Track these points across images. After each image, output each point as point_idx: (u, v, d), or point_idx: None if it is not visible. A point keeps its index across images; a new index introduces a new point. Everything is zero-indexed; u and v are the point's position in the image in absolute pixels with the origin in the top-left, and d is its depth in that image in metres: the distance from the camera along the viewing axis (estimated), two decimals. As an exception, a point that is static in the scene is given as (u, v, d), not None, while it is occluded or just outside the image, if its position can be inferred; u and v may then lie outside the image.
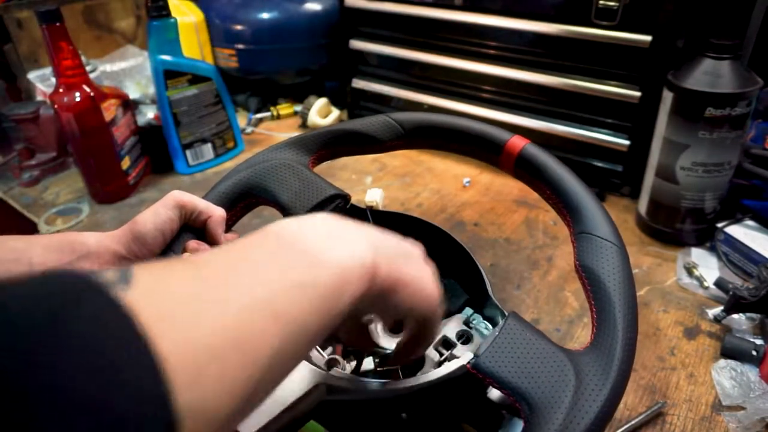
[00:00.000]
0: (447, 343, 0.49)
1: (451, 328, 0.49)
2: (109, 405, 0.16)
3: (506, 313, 0.40)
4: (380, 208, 0.58)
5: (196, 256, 0.25)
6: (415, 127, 0.58)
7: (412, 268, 0.32)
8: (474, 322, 0.50)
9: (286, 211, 0.53)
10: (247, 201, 0.55)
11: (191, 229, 0.51)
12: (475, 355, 0.37)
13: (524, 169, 0.52)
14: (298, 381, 0.40)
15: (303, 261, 0.27)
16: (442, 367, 0.42)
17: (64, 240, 0.46)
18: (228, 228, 0.54)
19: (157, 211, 0.49)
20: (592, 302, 0.41)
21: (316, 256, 0.27)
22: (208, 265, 0.24)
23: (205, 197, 0.54)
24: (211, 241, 0.51)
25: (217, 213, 0.51)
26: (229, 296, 0.23)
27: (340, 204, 0.54)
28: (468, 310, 0.51)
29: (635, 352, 0.37)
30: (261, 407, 0.27)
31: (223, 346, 0.21)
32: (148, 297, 0.19)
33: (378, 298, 0.30)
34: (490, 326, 0.49)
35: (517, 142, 0.52)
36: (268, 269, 0.25)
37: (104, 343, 0.17)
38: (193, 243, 0.50)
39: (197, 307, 0.21)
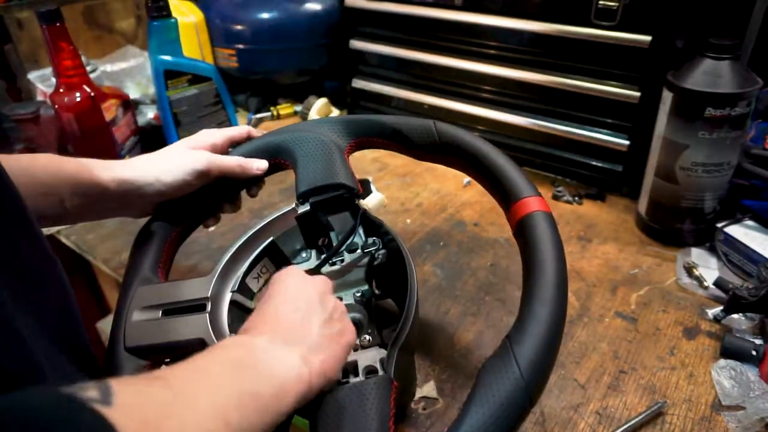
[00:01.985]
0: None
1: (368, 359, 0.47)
2: None
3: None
4: (372, 213, 0.57)
5: (169, 372, 0.30)
6: (449, 142, 0.55)
7: (334, 347, 0.39)
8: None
9: (297, 180, 0.56)
10: (276, 160, 0.58)
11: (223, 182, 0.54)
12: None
13: (520, 238, 0.47)
14: None
15: (251, 375, 0.33)
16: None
17: (92, 185, 0.49)
18: (260, 179, 0.59)
19: (182, 177, 0.52)
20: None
21: (261, 372, 0.34)
22: (173, 378, 0.29)
23: (237, 149, 0.59)
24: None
25: (240, 171, 0.56)
26: (191, 406, 0.28)
27: (345, 194, 0.55)
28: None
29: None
30: None
31: None
32: (127, 416, 0.24)
33: (313, 392, 0.37)
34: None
35: (524, 207, 0.47)
36: (224, 383, 0.31)
37: None
38: (226, 206, 0.58)
39: (169, 421, 0.26)
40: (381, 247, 0.54)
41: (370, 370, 0.46)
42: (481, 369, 0.38)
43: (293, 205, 0.57)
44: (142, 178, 0.51)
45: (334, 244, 0.55)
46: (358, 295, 0.52)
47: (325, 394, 0.41)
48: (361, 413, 0.39)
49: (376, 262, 0.53)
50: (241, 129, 0.60)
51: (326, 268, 0.54)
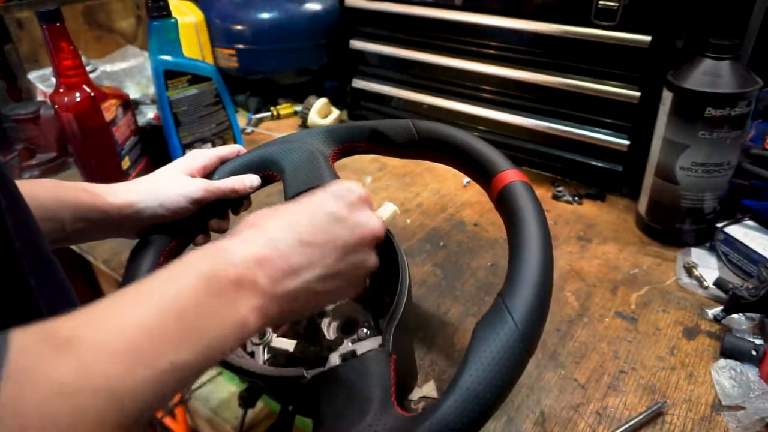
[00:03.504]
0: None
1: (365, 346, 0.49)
2: None
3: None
4: (386, 225, 0.54)
5: (78, 328, 0.27)
6: (427, 136, 0.58)
7: (311, 305, 0.38)
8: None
9: (285, 188, 0.57)
10: (264, 173, 0.59)
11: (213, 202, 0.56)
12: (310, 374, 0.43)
13: (502, 209, 0.49)
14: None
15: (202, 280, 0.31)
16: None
17: (93, 210, 0.50)
18: (247, 198, 0.60)
19: (182, 204, 0.53)
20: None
21: (195, 312, 0.30)
22: (80, 349, 0.25)
23: (227, 164, 0.60)
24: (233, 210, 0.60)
25: (232, 193, 0.57)
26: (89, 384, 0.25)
27: None
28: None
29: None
30: None
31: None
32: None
33: (260, 328, 0.34)
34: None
35: (503, 179, 0.50)
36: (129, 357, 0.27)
37: None
38: (213, 222, 0.58)
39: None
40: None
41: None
42: (476, 326, 0.38)
43: None
44: (143, 203, 0.52)
45: None
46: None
47: (325, 373, 0.42)
48: (363, 384, 0.40)
49: None
50: (231, 148, 0.61)
51: None
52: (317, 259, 0.36)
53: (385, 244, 0.52)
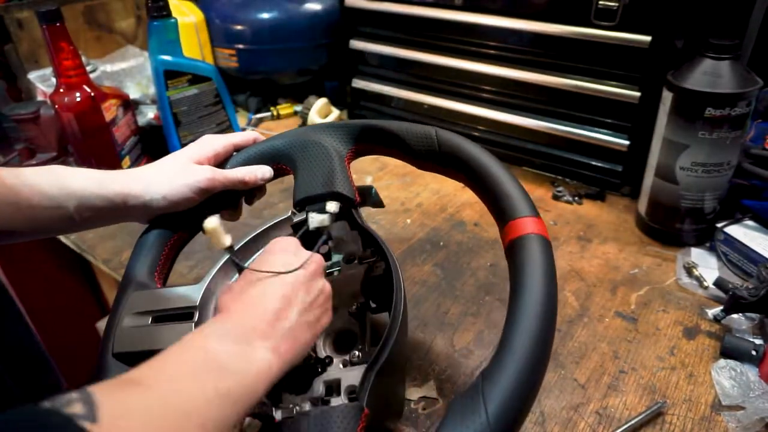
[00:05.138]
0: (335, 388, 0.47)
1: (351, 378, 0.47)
2: None
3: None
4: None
5: (146, 372, 0.32)
6: (449, 151, 0.52)
7: (309, 333, 0.41)
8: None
9: (296, 186, 0.56)
10: (278, 165, 0.58)
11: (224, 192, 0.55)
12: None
13: (510, 260, 0.44)
14: None
15: (225, 375, 0.34)
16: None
17: (99, 198, 0.50)
18: (261, 187, 0.60)
19: (186, 193, 0.53)
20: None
21: (231, 371, 0.35)
22: (155, 384, 0.31)
23: (241, 153, 0.59)
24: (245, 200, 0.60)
25: (256, 182, 0.57)
26: (167, 419, 0.29)
27: (342, 204, 0.55)
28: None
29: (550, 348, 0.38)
30: None
31: None
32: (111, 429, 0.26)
33: (281, 374, 0.38)
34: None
35: (518, 228, 0.44)
36: (197, 387, 0.32)
37: None
38: (224, 213, 0.58)
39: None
40: (380, 258, 0.51)
41: (352, 391, 0.45)
42: (451, 403, 0.35)
43: (289, 213, 0.57)
44: (148, 194, 0.51)
45: (332, 254, 0.55)
46: (354, 308, 0.52)
47: (287, 424, 0.42)
48: None
49: (374, 274, 0.51)
50: (246, 135, 0.60)
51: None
52: (293, 303, 0.41)
53: (382, 275, 0.50)
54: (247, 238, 0.58)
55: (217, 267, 0.53)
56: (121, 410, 0.27)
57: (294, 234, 0.55)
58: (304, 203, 0.55)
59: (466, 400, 0.35)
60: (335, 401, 0.44)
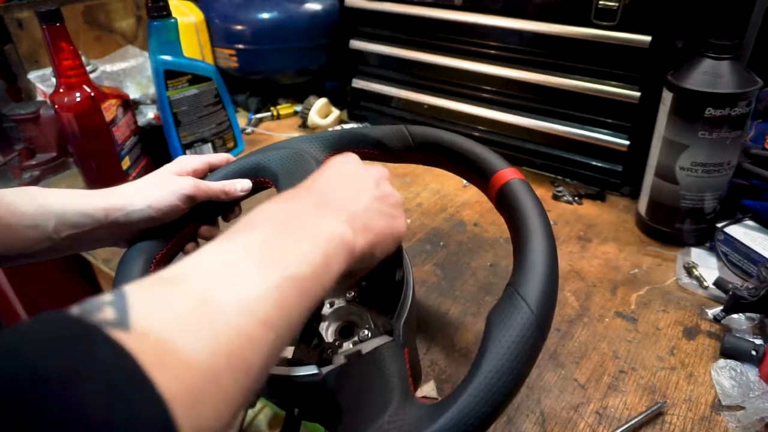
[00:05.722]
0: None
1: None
2: None
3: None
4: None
5: (186, 267, 0.27)
6: (423, 141, 0.60)
7: (383, 222, 0.38)
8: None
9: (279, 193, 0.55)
10: (257, 179, 0.59)
11: (203, 207, 0.55)
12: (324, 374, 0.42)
13: (502, 206, 0.51)
14: None
15: (286, 255, 0.29)
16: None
17: (79, 214, 0.48)
18: (237, 204, 0.60)
19: (172, 202, 0.52)
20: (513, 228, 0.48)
21: (299, 247, 0.30)
22: (195, 279, 0.26)
23: (218, 171, 0.59)
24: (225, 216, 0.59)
25: (224, 195, 0.56)
26: (218, 314, 0.24)
27: None
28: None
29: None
30: None
31: (218, 368, 0.23)
32: (145, 340, 0.21)
33: (357, 262, 0.35)
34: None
35: (501, 178, 0.52)
36: (252, 273, 0.27)
37: (114, 384, 0.19)
38: (203, 229, 0.57)
39: (191, 336, 0.23)
40: None
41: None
42: (489, 316, 0.39)
43: None
44: (131, 205, 0.50)
45: None
46: (350, 296, 0.53)
47: (339, 371, 0.42)
48: (381, 378, 0.40)
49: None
50: (220, 156, 0.60)
51: None
52: (362, 189, 0.40)
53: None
54: None
55: None
56: (158, 314, 0.23)
57: None
58: None
59: (504, 304, 0.39)
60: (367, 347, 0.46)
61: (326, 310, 0.54)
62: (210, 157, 0.60)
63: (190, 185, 0.53)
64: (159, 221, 0.52)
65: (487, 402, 0.34)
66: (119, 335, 0.21)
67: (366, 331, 0.49)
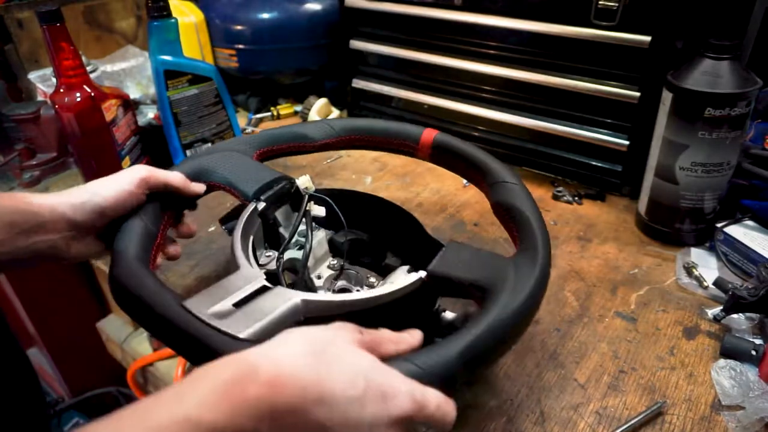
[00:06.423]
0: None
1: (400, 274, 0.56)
2: None
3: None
4: (313, 189, 0.62)
5: None
6: (342, 127, 0.71)
7: None
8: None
9: (238, 191, 0.58)
10: (206, 183, 0.60)
11: (159, 196, 0.55)
12: (427, 270, 0.49)
13: (440, 154, 0.69)
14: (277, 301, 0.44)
15: None
16: (395, 283, 0.49)
17: (16, 211, 0.47)
18: (194, 203, 0.60)
19: (120, 186, 0.52)
20: (513, 226, 0.56)
21: None
22: None
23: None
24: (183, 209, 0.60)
25: (182, 183, 0.57)
26: None
27: (286, 186, 0.60)
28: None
29: (551, 252, 0.52)
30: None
31: None
32: None
33: None
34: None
35: (430, 134, 0.69)
36: None
37: None
38: (171, 249, 0.58)
39: None
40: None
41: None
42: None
43: (253, 206, 0.57)
44: (75, 198, 0.49)
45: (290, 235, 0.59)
46: (334, 262, 0.59)
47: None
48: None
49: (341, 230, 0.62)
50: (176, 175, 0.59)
51: (294, 252, 0.57)
52: None
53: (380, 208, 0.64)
54: (244, 220, 0.56)
55: (238, 246, 0.52)
56: None
57: (262, 223, 0.57)
58: (259, 193, 0.58)
59: (521, 259, 0.50)
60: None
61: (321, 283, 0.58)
62: (165, 174, 0.58)
63: (142, 168, 0.53)
64: (112, 211, 0.51)
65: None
66: None
67: (372, 279, 0.58)
